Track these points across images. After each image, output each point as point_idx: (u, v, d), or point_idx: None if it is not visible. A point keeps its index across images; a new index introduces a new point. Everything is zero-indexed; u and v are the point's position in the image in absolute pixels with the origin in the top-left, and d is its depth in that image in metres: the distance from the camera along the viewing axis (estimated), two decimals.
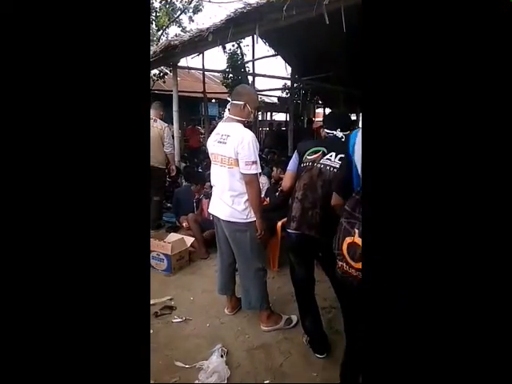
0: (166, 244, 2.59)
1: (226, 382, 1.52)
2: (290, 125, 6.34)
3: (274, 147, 6.36)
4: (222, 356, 1.66)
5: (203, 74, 6.41)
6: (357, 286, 1.07)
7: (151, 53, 3.51)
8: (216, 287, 2.09)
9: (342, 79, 6.00)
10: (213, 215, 1.89)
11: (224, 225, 1.81)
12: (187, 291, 2.34)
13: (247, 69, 7.05)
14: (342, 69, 5.79)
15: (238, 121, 1.73)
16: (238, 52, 7.20)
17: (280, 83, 8.36)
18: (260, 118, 9.64)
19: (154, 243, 2.63)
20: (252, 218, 1.75)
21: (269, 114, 11.36)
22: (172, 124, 4.05)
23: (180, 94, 4.30)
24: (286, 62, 6.90)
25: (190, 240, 2.82)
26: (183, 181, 4.05)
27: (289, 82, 7.74)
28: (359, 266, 1.05)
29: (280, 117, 11.18)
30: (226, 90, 7.66)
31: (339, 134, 1.61)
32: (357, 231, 1.07)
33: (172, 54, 3.61)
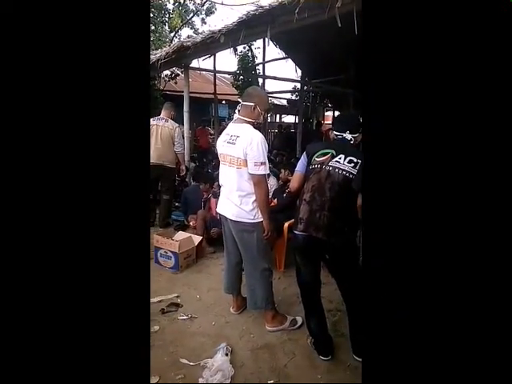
0: (174, 242, 2.63)
1: (229, 380, 1.53)
2: (299, 127, 6.34)
3: (283, 149, 6.36)
4: (226, 355, 1.67)
5: (214, 76, 6.47)
6: None
7: (164, 54, 3.57)
8: (222, 286, 2.11)
9: (352, 82, 5.97)
10: (220, 215, 1.92)
11: (231, 224, 1.82)
12: (194, 289, 2.37)
13: (258, 71, 7.08)
14: (352, 72, 5.77)
15: (248, 122, 1.75)
16: (249, 54, 7.23)
17: (290, 86, 8.37)
18: (269, 120, 9.66)
19: (163, 241, 2.66)
20: (259, 218, 1.76)
21: (278, 116, 11.37)
22: (183, 124, 4.10)
23: (191, 94, 4.35)
24: (296, 64, 6.91)
25: (197, 239, 2.85)
26: (191, 180, 4.09)
27: (298, 85, 7.74)
28: None
29: (289, 119, 11.17)
30: (237, 92, 7.70)
31: (348, 136, 1.61)
32: None
33: (184, 55, 3.66)
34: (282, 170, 3.42)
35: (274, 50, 5.85)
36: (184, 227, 3.44)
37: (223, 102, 9.63)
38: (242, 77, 7.30)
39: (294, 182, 1.71)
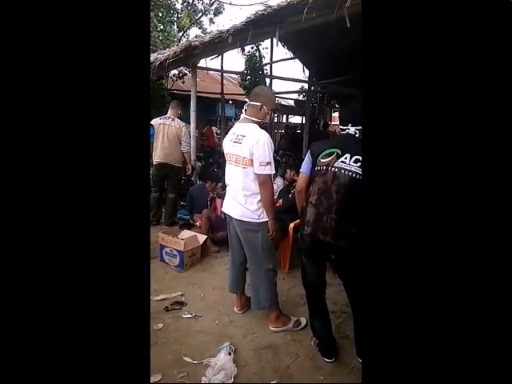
0: (179, 240, 2.64)
1: (232, 380, 1.53)
2: (306, 128, 6.32)
3: (289, 149, 6.34)
4: (229, 354, 1.67)
5: (221, 75, 6.48)
6: None
7: (172, 53, 3.59)
8: (226, 285, 2.11)
9: (359, 83, 5.93)
10: (226, 214, 1.92)
11: (236, 224, 1.83)
12: (198, 288, 2.37)
13: (265, 71, 7.08)
14: (359, 72, 5.73)
15: (255, 122, 1.75)
16: (257, 54, 7.23)
17: (297, 86, 8.35)
18: (276, 121, 9.66)
19: (168, 239, 2.68)
20: (264, 218, 1.75)
21: (285, 116, 11.36)
22: (189, 123, 4.12)
23: (198, 94, 4.37)
24: (303, 64, 6.89)
25: (202, 238, 2.86)
26: (197, 180, 4.11)
27: (306, 85, 7.72)
28: None
29: (296, 120, 11.14)
30: (244, 92, 7.71)
31: (352, 129, 1.56)
32: None
33: (192, 54, 3.68)
34: (288, 171, 3.41)
35: (281, 50, 5.82)
36: (189, 226, 3.45)
37: (230, 101, 9.65)
38: (249, 77, 7.31)
39: (300, 184, 1.69)
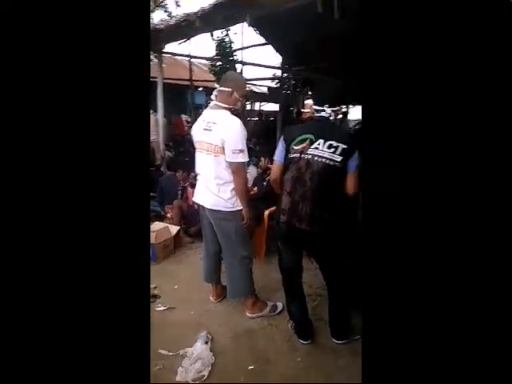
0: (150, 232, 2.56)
1: (210, 368, 1.53)
2: (280, 115, 6.30)
3: (263, 137, 6.31)
4: (206, 343, 1.66)
5: (190, 61, 6.25)
6: None
7: None
8: (201, 275, 2.09)
9: (333, 70, 5.97)
10: (198, 204, 1.87)
11: (209, 213, 1.79)
12: (172, 279, 2.33)
13: (235, 57, 6.92)
14: (333, 59, 5.76)
15: (225, 108, 1.70)
16: (227, 39, 7.04)
17: (270, 73, 8.25)
18: (249, 108, 9.54)
19: None
20: (238, 206, 1.73)
21: (258, 104, 11.24)
22: (156, 112, 3.96)
23: (165, 81, 4.19)
24: (276, 50, 6.80)
25: (174, 229, 2.80)
26: (167, 170, 3.99)
27: (279, 72, 7.66)
28: None
29: (270, 107, 11.07)
30: (214, 78, 7.51)
31: (327, 111, 1.53)
32: None
33: (156, 39, 3.50)
34: (262, 158, 3.40)
35: (254, 36, 5.71)
36: (160, 217, 3.36)
37: (200, 88, 9.38)
38: (219, 63, 7.11)
39: (274, 172, 1.65)
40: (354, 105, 9.82)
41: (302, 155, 1.50)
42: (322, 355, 1.65)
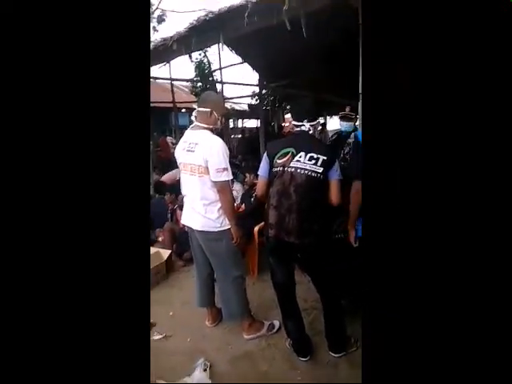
0: None
1: None
2: (261, 131, 6.40)
3: (248, 153, 6.36)
4: (204, 370, 1.61)
5: (171, 84, 6.32)
6: None
7: None
8: (195, 301, 2.03)
9: (309, 84, 6.14)
10: (186, 226, 1.85)
11: (198, 235, 1.77)
12: (167, 306, 2.26)
13: (215, 77, 7.05)
14: (308, 74, 5.93)
15: (206, 128, 1.71)
16: (205, 61, 7.18)
17: (250, 90, 8.42)
18: (232, 126, 9.64)
19: None
20: (226, 225, 1.72)
21: (240, 121, 11.39)
22: None
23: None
24: (253, 68, 6.97)
25: (166, 253, 2.74)
26: (155, 193, 3.94)
27: (257, 89, 7.82)
28: None
29: (252, 123, 11.23)
30: (196, 99, 7.60)
31: (306, 125, 1.57)
32: None
33: None
34: (247, 174, 3.41)
35: (230, 56, 5.84)
36: (151, 242, 3.29)
37: (183, 110, 9.46)
38: (200, 83, 7.22)
39: (260, 188, 1.67)
40: (330, 116, 10.09)
41: (286, 168, 1.53)
42: (321, 370, 1.61)
